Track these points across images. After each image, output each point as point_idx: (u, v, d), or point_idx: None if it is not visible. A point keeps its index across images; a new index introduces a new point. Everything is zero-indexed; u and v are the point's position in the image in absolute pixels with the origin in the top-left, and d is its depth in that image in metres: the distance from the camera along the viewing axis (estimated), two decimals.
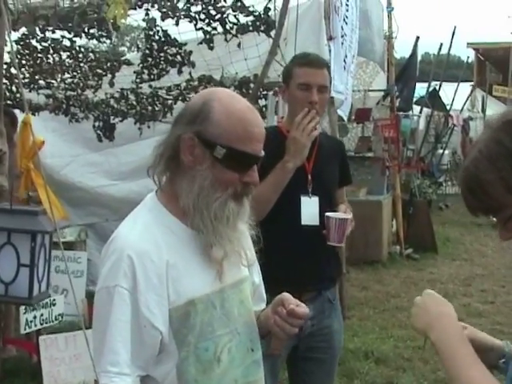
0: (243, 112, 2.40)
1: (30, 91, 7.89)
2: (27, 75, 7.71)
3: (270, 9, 6.03)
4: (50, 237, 5.92)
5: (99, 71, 7.44)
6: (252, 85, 6.58)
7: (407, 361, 7.62)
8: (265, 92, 6.50)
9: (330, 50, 8.15)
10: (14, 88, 7.87)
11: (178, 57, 6.65)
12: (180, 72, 6.79)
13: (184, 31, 6.51)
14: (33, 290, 5.87)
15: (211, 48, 6.35)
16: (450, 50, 18.02)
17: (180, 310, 2.37)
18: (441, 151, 21.10)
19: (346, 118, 9.85)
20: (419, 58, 16.63)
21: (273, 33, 6.12)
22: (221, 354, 2.44)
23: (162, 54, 6.73)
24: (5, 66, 6.19)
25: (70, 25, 6.32)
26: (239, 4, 5.90)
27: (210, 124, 2.34)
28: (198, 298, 2.40)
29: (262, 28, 6.06)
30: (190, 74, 6.79)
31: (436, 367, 7.40)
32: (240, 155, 2.35)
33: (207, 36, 6.21)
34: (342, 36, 8.52)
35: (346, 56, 8.66)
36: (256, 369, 2.58)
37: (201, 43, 6.34)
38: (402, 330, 8.69)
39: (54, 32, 6.86)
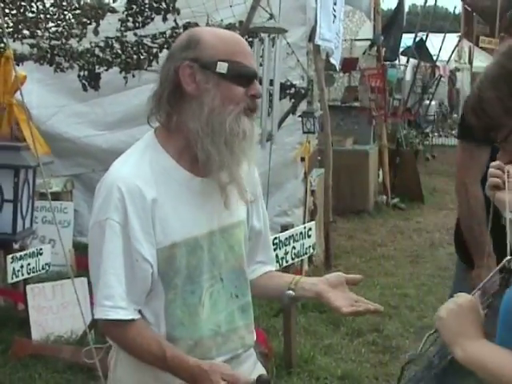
0: (232, 34, 2.51)
1: (13, 41, 7.78)
2: (11, 24, 7.60)
3: None
4: (33, 172, 5.90)
5: (84, 20, 7.34)
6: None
7: (393, 308, 7.68)
8: (250, 39, 6.44)
9: None
10: None
11: (163, 3, 6.59)
12: (165, 19, 6.73)
13: None
14: (16, 225, 5.87)
15: None
16: (436, 0, 17.90)
17: (165, 252, 2.38)
18: (427, 102, 21.06)
19: (338, 67, 9.81)
20: (406, 9, 16.55)
21: None
22: (204, 297, 2.45)
23: (146, 1, 6.67)
24: None
25: None
26: None
27: (204, 47, 2.36)
28: (183, 240, 2.40)
29: None
30: (175, 21, 6.73)
31: (422, 314, 7.48)
32: (241, 67, 2.38)
33: None
34: None
35: (336, 3, 8.60)
36: (241, 315, 2.57)
37: None
38: (388, 278, 8.77)
39: None
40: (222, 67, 2.34)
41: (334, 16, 8.74)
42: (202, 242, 2.44)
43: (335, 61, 9.27)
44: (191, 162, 2.42)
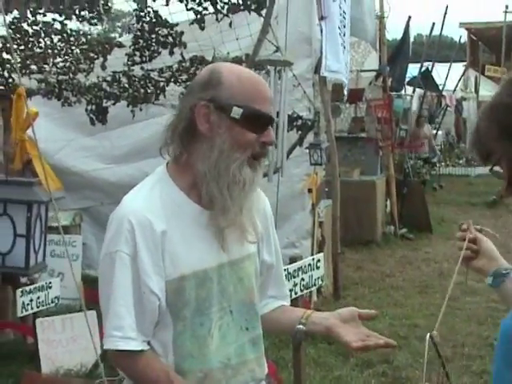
0: (251, 74, 2.49)
1: (21, 76, 7.86)
2: (19, 60, 7.68)
3: None
4: (45, 207, 5.95)
5: (91, 54, 7.42)
6: (244, 64, 6.57)
7: (403, 339, 7.64)
8: (257, 71, 6.48)
9: (321, 30, 8.16)
10: (5, 73, 7.84)
11: (170, 38, 6.65)
12: (171, 53, 6.78)
13: (175, 12, 6.52)
14: (29, 260, 5.91)
15: (202, 28, 6.35)
16: (442, 29, 18.03)
17: (174, 284, 2.40)
18: (434, 132, 21.11)
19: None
20: (412, 39, 16.61)
21: (264, 11, 6.12)
22: (214, 329, 2.46)
23: (153, 36, 6.73)
24: None
25: (61, 7, 6.31)
26: None
27: (222, 88, 2.38)
28: (193, 272, 2.41)
29: (253, 7, 6.07)
30: (181, 54, 6.79)
31: (431, 345, 7.41)
32: (256, 114, 2.39)
33: (198, 16, 6.22)
34: (341, 14, 8.53)
35: (344, 34, 8.68)
36: (251, 348, 2.57)
37: (192, 23, 6.35)
38: (397, 309, 8.73)
39: (45, 15, 6.85)
40: (237, 112, 2.36)
41: (344, 47, 8.83)
42: (212, 274, 2.45)
43: (345, 89, 9.38)
44: (201, 196, 2.44)
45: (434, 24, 17.66)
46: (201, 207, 2.44)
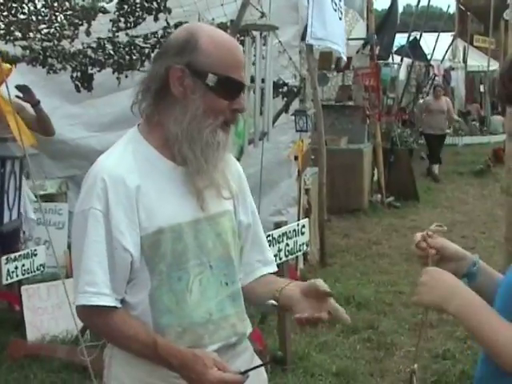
0: (229, 41, 2.47)
1: (5, 43, 7.80)
2: (2, 26, 7.61)
3: None
4: (20, 163, 5.90)
5: (75, 21, 7.35)
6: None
7: (388, 305, 7.70)
8: (242, 37, 6.45)
9: None
10: None
11: (154, 3, 6.60)
12: (156, 19, 6.74)
13: None
14: (3, 216, 5.87)
15: None
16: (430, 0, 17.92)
17: (150, 238, 2.40)
18: (422, 101, 21.10)
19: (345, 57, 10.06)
20: (400, 10, 16.60)
21: None
22: (192, 284, 2.46)
23: (137, 1, 6.68)
24: None
25: None
26: None
27: (199, 54, 2.38)
28: (168, 226, 2.42)
29: None
30: (166, 20, 6.74)
31: (416, 311, 7.47)
32: (231, 82, 2.40)
33: None
34: None
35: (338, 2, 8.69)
36: (231, 303, 2.58)
37: None
38: (382, 276, 8.78)
39: None
40: (212, 80, 2.38)
41: (339, 16, 8.83)
42: (187, 228, 2.45)
43: (344, 55, 9.44)
44: (173, 153, 2.45)
45: None
46: (174, 163, 2.45)
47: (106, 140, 9.01)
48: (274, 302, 2.59)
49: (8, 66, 5.90)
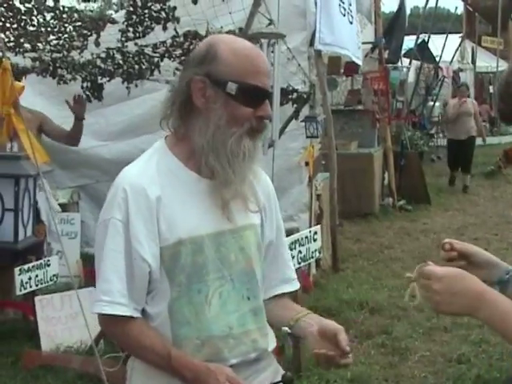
0: (248, 48, 2.46)
1: (15, 55, 7.84)
2: (12, 38, 7.64)
3: None
4: (33, 181, 5.95)
5: (84, 31, 7.38)
6: None
7: (402, 310, 7.68)
8: None
9: (315, 2, 8.14)
10: None
11: (163, 13, 6.61)
12: (165, 28, 6.76)
13: None
14: (18, 234, 5.93)
15: (195, 2, 6.33)
16: (437, 1, 17.89)
17: (170, 249, 2.40)
18: (431, 103, 21.08)
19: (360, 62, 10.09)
20: (408, 12, 16.58)
21: None
22: (212, 297, 2.45)
23: (146, 11, 6.69)
24: None
25: None
26: None
27: (218, 63, 2.38)
28: (189, 238, 2.41)
29: None
30: (175, 29, 6.75)
31: (430, 315, 7.46)
32: (252, 89, 2.38)
33: None
34: None
35: (347, 7, 8.70)
36: (253, 318, 2.55)
37: None
38: (395, 280, 8.74)
39: None
40: (231, 88, 2.37)
41: (352, 16, 8.85)
42: (209, 240, 2.45)
43: (359, 60, 9.44)
44: (199, 165, 2.45)
45: None
46: (199, 175, 2.45)
47: (115, 149, 9.07)
48: (288, 329, 2.57)
49: (20, 84, 5.93)
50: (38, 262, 6.25)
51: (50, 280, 6.33)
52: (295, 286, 2.80)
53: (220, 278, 2.47)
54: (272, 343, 2.64)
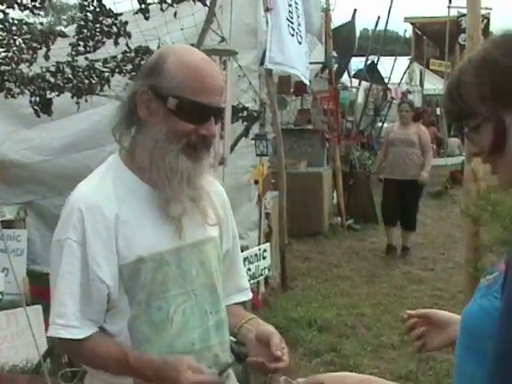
0: (197, 63, 2.36)
1: None
2: None
3: None
4: None
5: (34, 44, 7.29)
6: None
7: (350, 328, 7.72)
8: None
9: (267, 22, 8.16)
10: None
11: (114, 27, 6.55)
12: (116, 43, 6.70)
13: (119, 1, 6.45)
14: None
15: (147, 18, 6.28)
16: (387, 24, 18.11)
17: (130, 267, 2.37)
18: (380, 124, 21.27)
19: (308, 84, 10.11)
20: (358, 34, 16.73)
21: (208, 1, 6.08)
22: (174, 314, 2.42)
23: (97, 25, 6.63)
24: None
25: None
26: None
27: (163, 76, 2.33)
28: (149, 255, 2.38)
29: None
30: (127, 45, 6.71)
31: (379, 333, 7.51)
32: (193, 106, 2.32)
33: (143, 6, 6.14)
34: (290, 5, 8.56)
35: (296, 27, 8.73)
36: (215, 332, 2.54)
37: (136, 13, 6.27)
38: (344, 298, 8.80)
39: None
40: (171, 103, 2.32)
41: (301, 36, 8.88)
42: (169, 257, 2.42)
43: (306, 79, 9.46)
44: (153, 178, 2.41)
45: (379, 18, 17.83)
46: (154, 189, 2.41)
47: (59, 164, 8.95)
48: (233, 338, 2.60)
49: None
50: None
51: None
52: (248, 295, 2.83)
53: (183, 293, 2.44)
54: (230, 356, 2.63)
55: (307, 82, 10.13)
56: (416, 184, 11.00)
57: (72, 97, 7.33)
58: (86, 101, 7.40)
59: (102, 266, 2.33)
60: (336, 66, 14.24)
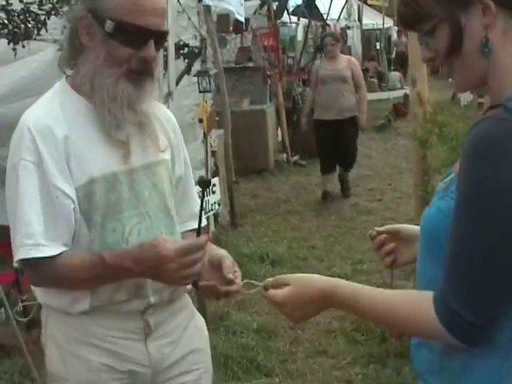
0: None
1: None
2: None
3: None
4: None
5: None
6: None
7: (302, 260, 7.80)
8: None
9: None
10: None
11: None
12: None
13: None
14: None
15: None
16: None
17: (84, 189, 2.33)
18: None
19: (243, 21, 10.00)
20: None
21: None
22: (129, 235, 2.40)
23: None
24: None
25: None
26: None
27: None
28: (101, 175, 2.35)
29: None
30: None
31: (331, 264, 7.60)
32: (131, 28, 2.27)
33: None
34: None
35: None
36: None
37: None
38: (294, 232, 8.86)
39: None
40: (109, 27, 2.26)
41: None
42: (121, 177, 2.39)
43: (241, 16, 9.36)
44: None
45: None
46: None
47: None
48: None
49: None
50: None
51: None
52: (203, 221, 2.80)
53: (137, 214, 2.42)
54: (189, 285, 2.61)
55: (242, 19, 10.02)
56: (353, 122, 10.42)
57: (8, 43, 7.16)
58: (24, 47, 7.23)
59: (63, 183, 2.29)
60: (276, 3, 14.09)
